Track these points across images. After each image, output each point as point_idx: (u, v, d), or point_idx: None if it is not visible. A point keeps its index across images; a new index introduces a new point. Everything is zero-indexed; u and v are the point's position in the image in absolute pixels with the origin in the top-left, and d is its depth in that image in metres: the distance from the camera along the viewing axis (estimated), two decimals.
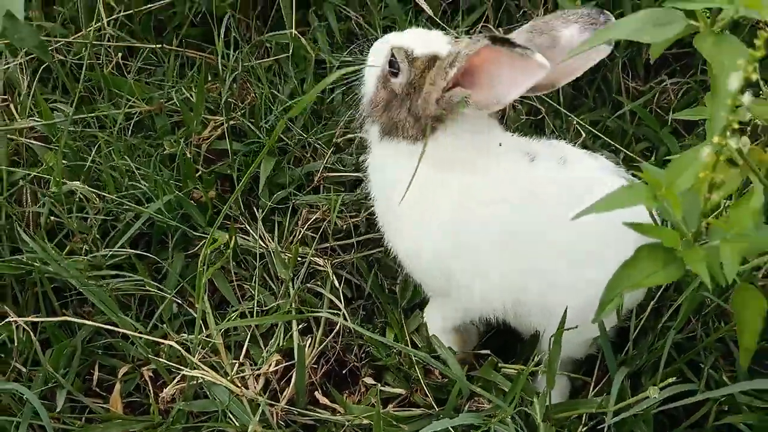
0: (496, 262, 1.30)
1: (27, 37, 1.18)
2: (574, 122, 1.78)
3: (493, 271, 1.31)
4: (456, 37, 1.36)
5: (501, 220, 1.28)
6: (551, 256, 1.29)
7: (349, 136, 1.82)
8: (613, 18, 1.22)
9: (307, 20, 2.07)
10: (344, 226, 1.67)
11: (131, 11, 1.87)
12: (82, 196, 1.55)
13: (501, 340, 1.56)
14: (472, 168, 1.29)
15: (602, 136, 1.77)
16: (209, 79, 1.88)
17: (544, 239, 1.28)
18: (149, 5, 1.89)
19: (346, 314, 1.49)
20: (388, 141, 1.33)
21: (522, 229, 1.28)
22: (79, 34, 1.83)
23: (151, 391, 1.40)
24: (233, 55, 1.86)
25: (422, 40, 1.32)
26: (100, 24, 1.80)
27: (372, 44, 1.41)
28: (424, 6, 1.82)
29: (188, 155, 1.70)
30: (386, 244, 1.43)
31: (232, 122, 1.78)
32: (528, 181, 1.29)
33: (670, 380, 1.26)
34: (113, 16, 1.86)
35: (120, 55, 1.83)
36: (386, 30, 1.96)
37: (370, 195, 1.44)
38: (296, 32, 1.95)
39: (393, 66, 1.31)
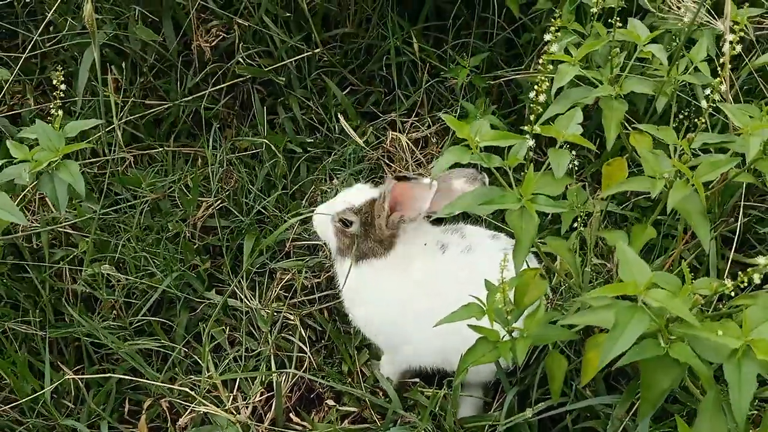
0: (421, 330, 1.80)
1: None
2: None
3: (418, 337, 1.83)
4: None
5: (422, 300, 1.78)
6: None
7: (313, 209, 2.34)
8: (486, 177, 1.78)
9: (276, 110, 2.58)
10: (309, 285, 2.19)
11: (137, 115, 2.37)
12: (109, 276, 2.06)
13: None
14: (410, 262, 1.81)
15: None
16: (200, 166, 2.39)
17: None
18: (151, 110, 2.39)
19: (311, 356, 2.02)
20: (362, 263, 1.86)
21: (437, 306, 1.61)
22: (96, 135, 2.33)
23: (169, 419, 1.93)
24: (219, 152, 2.37)
25: (356, 195, 1.86)
26: (113, 126, 2.29)
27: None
28: (347, 128, 2.34)
29: (188, 233, 2.21)
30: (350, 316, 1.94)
31: (219, 204, 2.29)
32: (442, 269, 1.79)
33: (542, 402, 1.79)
34: (123, 120, 2.35)
35: (132, 158, 2.33)
36: (336, 118, 2.49)
37: (339, 290, 1.94)
38: (267, 121, 2.46)
39: (345, 222, 1.84)
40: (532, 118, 1.38)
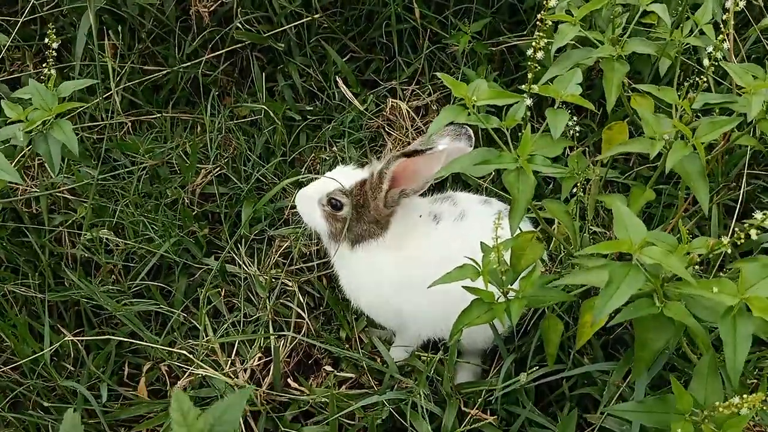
0: (425, 305, 1.78)
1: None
2: None
3: (423, 312, 1.80)
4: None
5: (420, 274, 1.67)
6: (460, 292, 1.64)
7: (311, 176, 2.32)
8: (470, 129, 1.75)
9: (275, 77, 2.55)
10: (307, 252, 2.19)
11: (135, 81, 2.35)
12: (107, 240, 2.06)
13: None
14: (405, 238, 1.77)
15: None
16: (198, 134, 2.38)
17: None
18: (149, 76, 2.37)
19: (309, 322, 2.02)
20: (358, 246, 1.81)
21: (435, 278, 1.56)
22: (95, 101, 2.31)
23: (168, 382, 1.94)
24: (218, 119, 2.35)
25: (342, 177, 1.80)
26: (111, 93, 2.28)
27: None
28: (347, 93, 2.30)
29: (186, 200, 2.20)
30: (353, 303, 1.91)
31: (218, 171, 2.28)
32: (437, 242, 1.74)
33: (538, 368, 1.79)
34: (121, 86, 2.33)
35: (130, 124, 2.31)
36: (336, 83, 2.46)
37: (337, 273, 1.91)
38: (266, 88, 2.44)
39: (335, 205, 1.78)
40: (530, 76, 1.35)
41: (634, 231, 1.17)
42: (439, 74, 1.47)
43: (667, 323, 1.23)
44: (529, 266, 1.43)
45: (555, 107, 1.44)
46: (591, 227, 1.68)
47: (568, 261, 1.66)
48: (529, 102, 1.38)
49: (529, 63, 1.35)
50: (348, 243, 1.83)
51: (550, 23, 1.35)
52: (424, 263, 1.73)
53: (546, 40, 1.36)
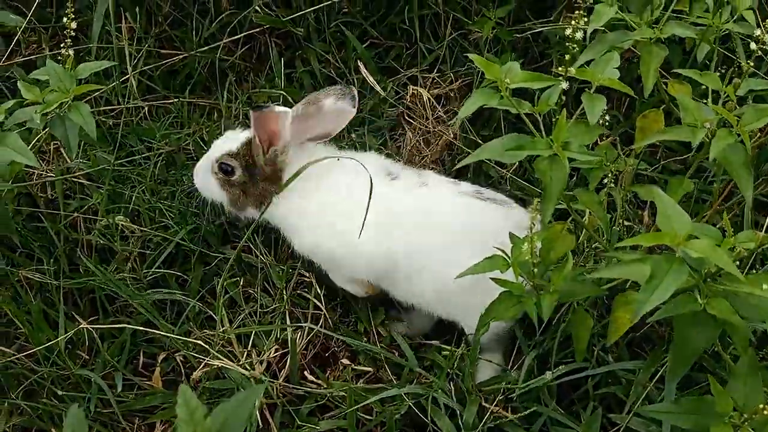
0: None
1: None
2: None
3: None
4: None
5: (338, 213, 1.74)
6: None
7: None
8: (355, 90, 1.81)
9: (294, 63, 2.50)
10: None
11: (151, 66, 2.31)
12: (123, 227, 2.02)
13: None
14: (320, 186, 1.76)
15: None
16: (215, 120, 2.33)
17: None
18: (166, 60, 2.32)
19: (326, 313, 1.97)
20: (264, 207, 1.82)
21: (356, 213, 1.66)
22: (111, 85, 2.27)
23: (183, 372, 1.90)
24: (234, 105, 2.30)
25: (230, 140, 1.82)
26: (128, 77, 2.23)
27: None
28: (369, 79, 2.25)
29: None
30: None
31: None
32: (386, 195, 1.72)
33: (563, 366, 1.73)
34: (137, 69, 2.29)
35: (146, 109, 2.27)
36: (357, 70, 2.40)
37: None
38: (284, 75, 2.39)
39: (226, 170, 1.78)
40: (567, 58, 1.29)
41: (679, 223, 1.11)
42: (470, 55, 1.41)
43: (709, 321, 1.17)
44: (559, 258, 1.37)
45: (591, 91, 1.37)
46: (622, 220, 1.61)
47: (596, 254, 1.60)
48: (565, 86, 1.32)
49: (567, 44, 1.28)
50: (251, 207, 1.84)
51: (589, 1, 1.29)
52: (347, 202, 1.75)
53: (585, 20, 1.29)
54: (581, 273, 1.34)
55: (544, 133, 1.37)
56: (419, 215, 1.73)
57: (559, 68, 1.32)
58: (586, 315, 1.40)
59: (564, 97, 1.36)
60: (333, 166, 1.74)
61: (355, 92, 1.79)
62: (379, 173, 1.75)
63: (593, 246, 1.54)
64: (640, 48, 1.51)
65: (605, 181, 1.60)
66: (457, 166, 1.63)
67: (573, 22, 1.26)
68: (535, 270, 1.29)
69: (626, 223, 1.96)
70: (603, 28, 1.54)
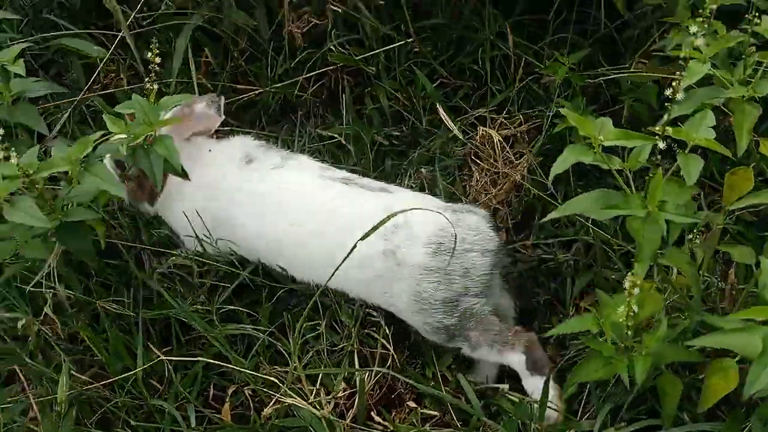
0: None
1: None
2: None
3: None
4: None
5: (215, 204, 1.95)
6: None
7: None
8: (222, 100, 2.06)
9: (363, 100, 2.54)
10: None
11: (228, 101, 2.37)
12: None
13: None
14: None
15: None
16: None
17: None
18: (241, 96, 2.39)
19: (395, 354, 1.97)
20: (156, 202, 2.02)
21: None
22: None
23: (252, 407, 1.92)
24: (304, 139, 2.35)
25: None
26: None
27: None
28: (445, 118, 2.27)
29: None
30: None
31: None
32: (237, 178, 1.93)
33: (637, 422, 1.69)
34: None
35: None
36: (425, 111, 2.43)
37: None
38: (354, 115, 2.43)
39: (121, 165, 1.93)
40: (665, 117, 1.28)
41: None
42: (561, 106, 1.41)
43: None
44: (648, 318, 1.35)
45: (686, 151, 1.36)
46: (708, 277, 1.58)
47: (686, 316, 1.56)
48: (662, 145, 1.31)
49: (666, 104, 1.28)
50: (146, 201, 2.02)
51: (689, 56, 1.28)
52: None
53: (682, 80, 1.28)
54: (677, 337, 1.31)
55: (633, 188, 1.36)
56: (269, 196, 1.91)
57: (656, 127, 1.31)
58: (675, 378, 1.37)
59: (659, 156, 1.35)
60: (207, 157, 1.98)
61: (222, 102, 2.03)
62: (235, 158, 1.96)
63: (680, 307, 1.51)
64: (732, 106, 1.49)
65: (690, 236, 1.57)
66: (543, 220, 1.61)
67: (673, 84, 1.25)
68: (629, 333, 1.27)
69: (706, 275, 1.92)
70: (693, 85, 1.52)
